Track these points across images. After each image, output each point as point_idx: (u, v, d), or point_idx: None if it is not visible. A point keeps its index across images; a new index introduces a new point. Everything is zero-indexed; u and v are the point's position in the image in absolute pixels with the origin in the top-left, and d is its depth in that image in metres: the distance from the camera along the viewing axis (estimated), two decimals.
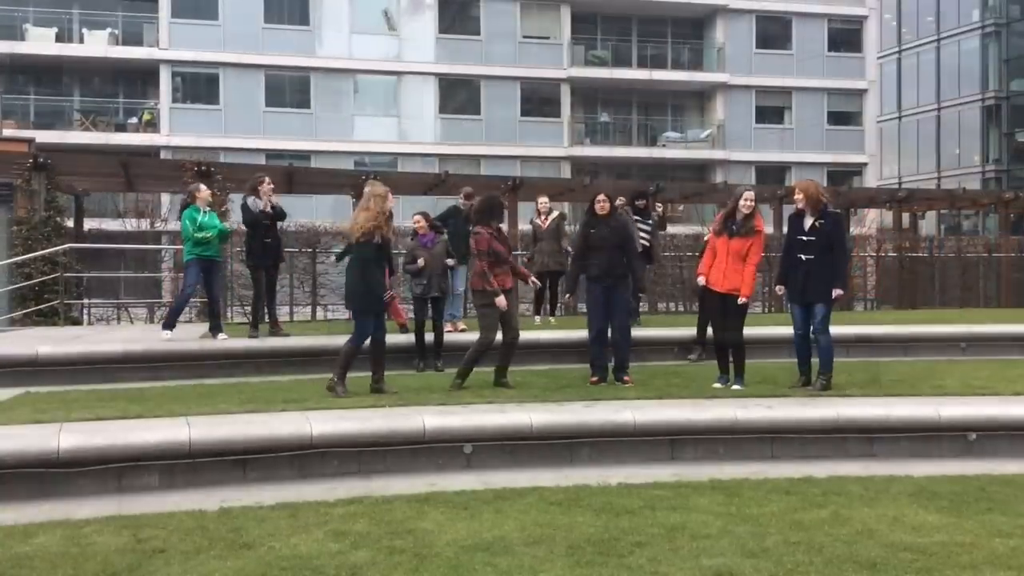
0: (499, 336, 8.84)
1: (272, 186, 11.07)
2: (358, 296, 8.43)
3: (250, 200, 10.92)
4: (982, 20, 47.32)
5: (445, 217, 11.73)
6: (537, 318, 12.94)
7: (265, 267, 11.07)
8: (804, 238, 8.56)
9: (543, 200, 12.92)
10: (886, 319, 14.25)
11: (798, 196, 8.65)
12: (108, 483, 6.22)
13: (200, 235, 10.49)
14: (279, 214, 11.02)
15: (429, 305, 10.32)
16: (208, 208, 10.79)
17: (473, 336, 9.25)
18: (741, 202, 8.72)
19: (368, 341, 8.45)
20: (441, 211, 12.32)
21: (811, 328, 8.60)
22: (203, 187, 11.00)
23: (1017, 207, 26.02)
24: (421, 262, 10.08)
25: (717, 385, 8.78)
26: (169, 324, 10.67)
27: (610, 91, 39.78)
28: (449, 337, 10.72)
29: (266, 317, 11.19)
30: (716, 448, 7.35)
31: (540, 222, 12.61)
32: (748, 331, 11.07)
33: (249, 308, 14.96)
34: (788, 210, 21.99)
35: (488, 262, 8.72)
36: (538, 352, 10.77)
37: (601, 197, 9.21)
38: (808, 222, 8.57)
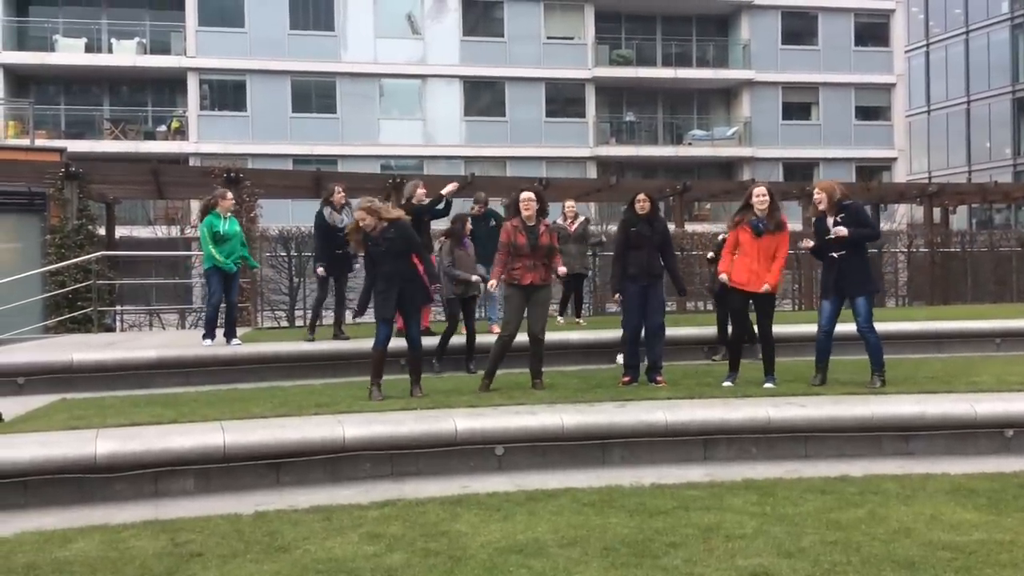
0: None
1: (343, 194, 11.17)
2: (368, 299, 8.51)
3: (326, 211, 11.05)
4: (1012, 11, 46.77)
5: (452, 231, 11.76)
6: (561, 319, 12.93)
7: (335, 276, 11.17)
8: (830, 238, 8.50)
9: (570, 204, 12.97)
10: (918, 315, 14.10)
11: (818, 196, 8.61)
12: (145, 488, 6.29)
13: (215, 254, 10.58)
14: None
15: (463, 306, 10.36)
16: (229, 214, 10.83)
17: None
18: (754, 199, 8.68)
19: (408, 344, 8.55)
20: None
21: (857, 327, 8.53)
22: (229, 194, 11.06)
23: None
24: (476, 278, 10.19)
25: (727, 384, 8.74)
26: (209, 334, 10.81)
27: (635, 90, 39.68)
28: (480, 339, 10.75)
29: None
30: (749, 448, 7.30)
31: (566, 225, 12.62)
32: (779, 329, 11.05)
33: (278, 312, 15.12)
34: None
35: (504, 252, 8.76)
36: (569, 353, 10.77)
37: (642, 196, 9.14)
38: (830, 221, 8.54)
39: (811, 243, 8.75)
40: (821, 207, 8.61)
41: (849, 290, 8.52)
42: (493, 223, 11.70)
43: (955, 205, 28.39)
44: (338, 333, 11.15)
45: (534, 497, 6.00)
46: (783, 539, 5.00)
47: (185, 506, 5.98)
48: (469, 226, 10.60)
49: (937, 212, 24.83)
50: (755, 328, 9.18)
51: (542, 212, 8.85)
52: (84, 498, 6.13)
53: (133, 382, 9.58)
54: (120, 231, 21.89)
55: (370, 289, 8.51)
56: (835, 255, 8.51)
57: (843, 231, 8.36)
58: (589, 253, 14.53)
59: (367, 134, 35.97)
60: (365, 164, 33.19)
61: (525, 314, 8.78)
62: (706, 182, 30.40)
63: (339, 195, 11.15)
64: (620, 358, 10.52)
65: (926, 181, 36.15)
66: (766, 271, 8.66)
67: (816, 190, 8.71)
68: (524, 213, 8.76)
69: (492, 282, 8.91)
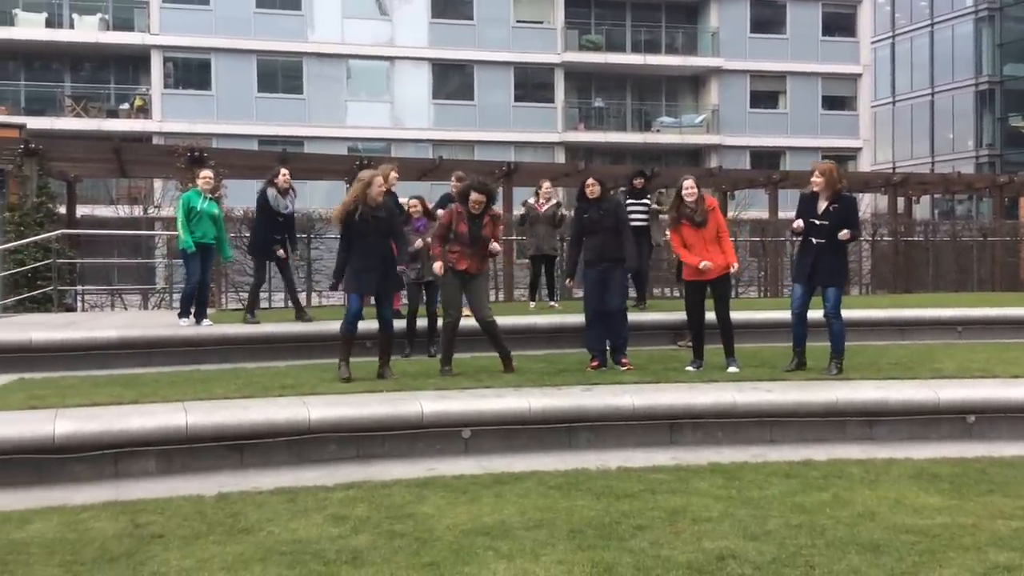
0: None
1: (287, 177, 11.03)
2: (344, 276, 8.41)
3: (270, 193, 10.84)
4: (976, 4, 47.30)
5: (441, 205, 11.63)
6: (532, 303, 12.89)
7: (278, 260, 11.05)
8: (817, 221, 8.36)
9: (547, 185, 12.82)
10: (882, 303, 14.24)
11: (817, 179, 8.41)
12: (105, 469, 6.18)
13: (182, 233, 10.41)
14: (288, 220, 11.01)
15: (423, 291, 10.30)
16: (209, 196, 10.67)
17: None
18: (684, 192, 8.73)
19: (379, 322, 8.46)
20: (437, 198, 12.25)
21: (824, 312, 8.51)
22: (203, 171, 10.86)
23: (1011, 191, 26.05)
24: (420, 243, 10.00)
25: (690, 369, 8.79)
26: (185, 313, 10.67)
27: (604, 76, 39.64)
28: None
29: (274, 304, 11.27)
30: (715, 432, 7.33)
31: (537, 206, 12.53)
32: (745, 315, 11.14)
33: (243, 293, 14.94)
34: (784, 195, 21.90)
35: (440, 233, 8.68)
36: (535, 337, 10.74)
37: (590, 180, 9.16)
38: (822, 205, 8.39)
39: (801, 225, 8.60)
40: (816, 189, 8.44)
41: (821, 279, 8.49)
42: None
43: (918, 195, 28.75)
44: (302, 316, 11.02)
45: (500, 480, 5.98)
46: (749, 522, 5.02)
47: (146, 487, 5.88)
48: (417, 207, 10.41)
49: (901, 202, 25.10)
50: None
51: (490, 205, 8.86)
52: (42, 479, 6.02)
53: (93, 362, 9.42)
54: (81, 210, 21.49)
55: (345, 261, 8.40)
56: (814, 241, 8.42)
57: (845, 235, 8.23)
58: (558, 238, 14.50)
59: (334, 116, 35.63)
60: (331, 146, 32.86)
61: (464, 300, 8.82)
62: (674, 169, 30.44)
63: (283, 177, 10.99)
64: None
65: (890, 171, 36.54)
66: (719, 253, 8.74)
67: (816, 172, 8.49)
68: (473, 210, 8.66)
69: (438, 264, 8.66)
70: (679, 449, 7.06)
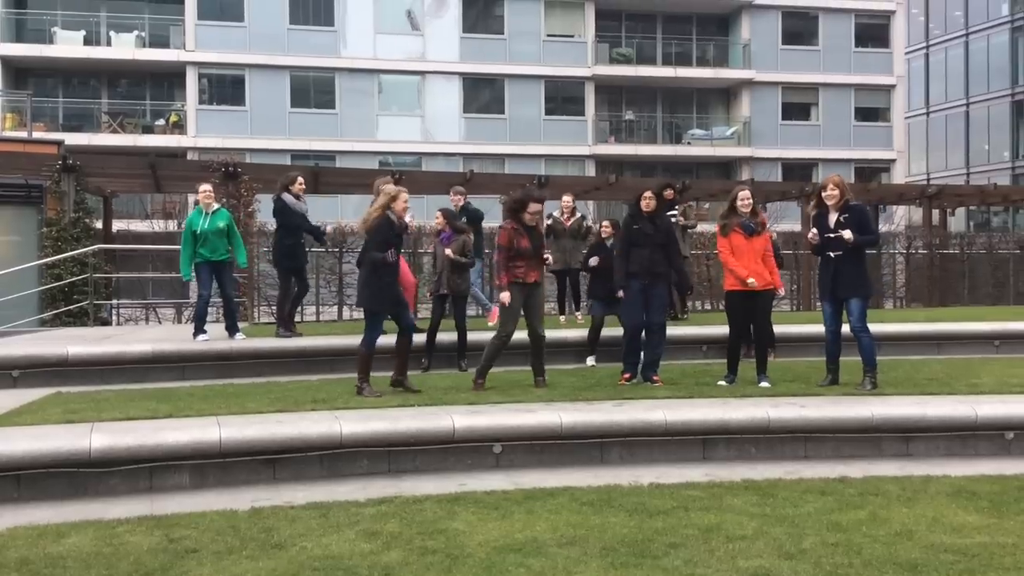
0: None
1: (303, 184, 11.05)
2: (366, 294, 8.42)
3: (288, 198, 10.81)
4: (1012, 14, 46.78)
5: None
6: (562, 317, 12.87)
7: (297, 269, 11.08)
8: (832, 236, 8.40)
9: (567, 199, 12.86)
10: (917, 317, 14.06)
11: (833, 191, 8.42)
12: (140, 483, 6.24)
13: (183, 263, 10.49)
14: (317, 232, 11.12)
15: (448, 304, 10.29)
16: (212, 210, 10.61)
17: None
18: (739, 202, 8.72)
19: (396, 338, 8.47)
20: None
21: (850, 327, 8.46)
22: (202, 186, 10.80)
23: None
24: (449, 252, 10.00)
25: (722, 383, 8.72)
26: (199, 329, 10.64)
27: (635, 89, 39.60)
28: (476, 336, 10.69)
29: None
30: (748, 448, 7.26)
31: (562, 220, 12.53)
32: (778, 329, 11.02)
33: (276, 307, 15.03)
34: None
35: (505, 255, 8.64)
36: (565, 351, 10.71)
37: (648, 193, 9.09)
38: (832, 218, 8.43)
39: (817, 236, 8.66)
40: (831, 203, 8.45)
41: (843, 291, 8.47)
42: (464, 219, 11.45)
43: (954, 207, 28.33)
44: (290, 330, 10.89)
45: (532, 496, 5.96)
46: (784, 540, 4.96)
47: (180, 501, 5.93)
48: (440, 219, 10.45)
49: (936, 214, 24.78)
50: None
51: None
52: (78, 492, 6.09)
53: (128, 376, 9.52)
54: (117, 225, 21.76)
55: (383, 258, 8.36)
56: (832, 255, 8.45)
57: (849, 235, 8.23)
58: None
59: (365, 130, 35.88)
60: (363, 160, 33.09)
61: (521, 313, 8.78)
62: (705, 181, 30.31)
63: (299, 185, 10.97)
64: (591, 360, 10.52)
65: (925, 183, 36.14)
66: (765, 271, 8.74)
67: (831, 184, 8.50)
68: (531, 222, 8.71)
69: (505, 295, 8.59)
70: (712, 465, 7.00)
